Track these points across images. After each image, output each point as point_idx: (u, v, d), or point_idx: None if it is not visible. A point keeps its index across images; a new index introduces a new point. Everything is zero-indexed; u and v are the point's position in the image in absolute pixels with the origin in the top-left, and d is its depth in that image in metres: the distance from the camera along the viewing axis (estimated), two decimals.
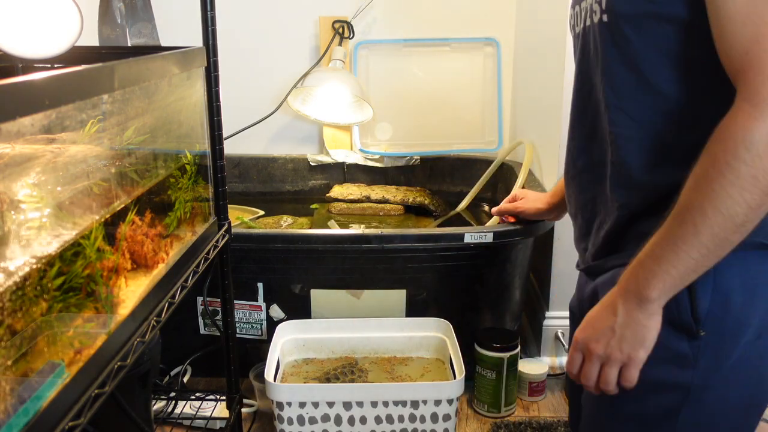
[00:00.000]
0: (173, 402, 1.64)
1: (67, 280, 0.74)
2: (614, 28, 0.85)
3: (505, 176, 2.24)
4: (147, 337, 0.90)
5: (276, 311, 1.74)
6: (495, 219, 1.66)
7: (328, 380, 1.59)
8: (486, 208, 2.29)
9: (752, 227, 0.75)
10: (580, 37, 0.95)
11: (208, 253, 1.20)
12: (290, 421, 1.46)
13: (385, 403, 1.46)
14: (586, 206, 0.98)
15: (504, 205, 1.55)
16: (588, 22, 0.91)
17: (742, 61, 0.74)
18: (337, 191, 2.31)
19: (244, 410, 1.67)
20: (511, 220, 1.59)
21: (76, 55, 1.01)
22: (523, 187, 1.95)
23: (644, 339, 0.82)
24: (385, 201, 2.25)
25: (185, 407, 1.64)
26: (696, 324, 0.82)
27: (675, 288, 0.80)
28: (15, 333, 0.65)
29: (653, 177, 0.87)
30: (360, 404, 1.46)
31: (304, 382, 1.59)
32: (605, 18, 0.85)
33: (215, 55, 1.24)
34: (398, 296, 1.73)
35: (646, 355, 0.83)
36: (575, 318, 1.05)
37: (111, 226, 0.85)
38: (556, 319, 1.92)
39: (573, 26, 0.98)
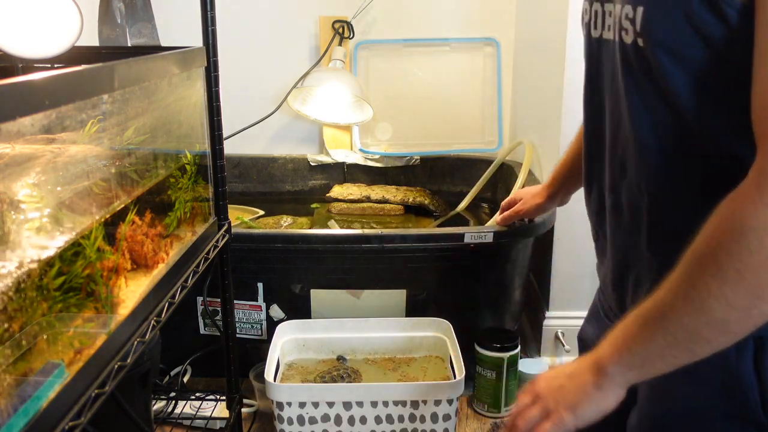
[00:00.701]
0: (173, 402, 1.64)
1: (67, 280, 0.74)
2: (650, 56, 0.71)
3: (505, 176, 2.24)
4: (147, 337, 0.90)
5: (276, 311, 1.74)
6: (495, 220, 1.66)
7: (331, 380, 1.59)
8: (486, 208, 2.29)
9: (744, 330, 0.64)
10: (601, 47, 0.83)
11: (208, 253, 1.20)
12: (290, 421, 1.46)
13: (385, 403, 1.46)
14: (619, 251, 0.86)
15: (506, 214, 1.51)
16: (616, 37, 0.77)
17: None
18: (337, 191, 2.31)
19: (244, 410, 1.66)
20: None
21: (76, 55, 1.01)
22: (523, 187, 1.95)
23: (577, 406, 0.74)
24: (385, 201, 2.25)
25: (185, 407, 1.64)
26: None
27: (637, 370, 0.71)
28: (15, 333, 0.65)
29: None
30: (360, 404, 1.46)
31: (304, 382, 1.59)
32: (641, 42, 0.72)
33: (215, 55, 1.24)
34: (398, 296, 1.73)
35: (572, 424, 0.74)
36: (585, 352, 0.96)
37: (111, 226, 0.85)
38: (556, 319, 1.92)
39: (588, 24, 0.86)
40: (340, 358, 1.67)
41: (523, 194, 1.47)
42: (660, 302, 0.67)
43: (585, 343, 0.99)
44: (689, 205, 0.74)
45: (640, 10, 0.70)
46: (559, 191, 1.30)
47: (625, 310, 0.84)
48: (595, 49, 0.85)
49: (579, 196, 1.03)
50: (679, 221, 0.74)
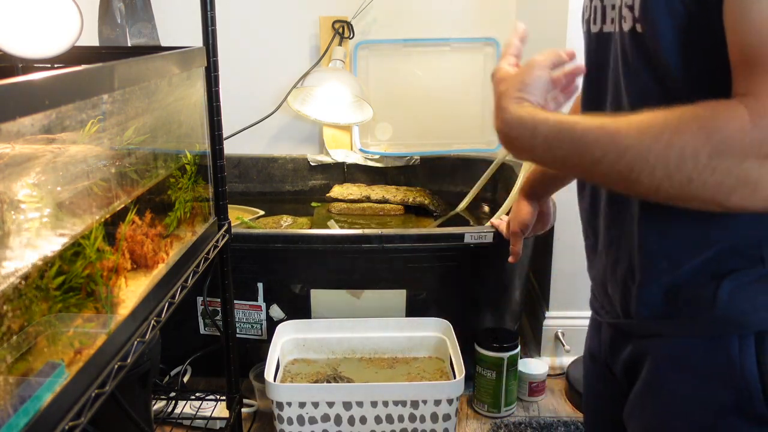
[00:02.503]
0: (173, 402, 1.64)
1: (67, 280, 0.74)
2: (649, 41, 0.70)
3: (505, 176, 2.24)
4: (147, 337, 0.90)
5: (276, 311, 1.74)
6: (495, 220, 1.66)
7: (332, 380, 1.59)
8: (486, 208, 2.29)
9: (632, 194, 0.69)
10: (601, 41, 0.81)
11: (208, 253, 1.20)
12: (290, 421, 1.46)
13: (385, 403, 1.46)
14: (612, 244, 0.84)
15: (516, 245, 1.29)
16: (616, 28, 0.76)
17: (755, 53, 0.61)
18: (337, 191, 2.31)
19: (244, 410, 1.66)
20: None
21: (76, 55, 1.01)
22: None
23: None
24: (385, 201, 2.25)
25: (185, 407, 1.63)
26: None
27: (527, 139, 0.70)
28: (15, 333, 0.65)
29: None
30: (360, 404, 1.45)
31: (304, 382, 1.59)
32: (639, 28, 0.71)
33: (215, 55, 1.24)
34: (398, 296, 1.73)
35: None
36: (595, 368, 0.94)
37: (111, 226, 0.85)
38: (556, 319, 1.92)
39: (588, 20, 0.85)
40: (334, 378, 1.63)
41: (521, 215, 1.26)
42: (609, 125, 0.65)
43: (593, 358, 0.95)
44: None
45: None
46: (538, 196, 1.21)
47: (618, 306, 0.84)
48: (594, 45, 0.84)
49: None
50: (674, 211, 0.71)
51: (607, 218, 0.84)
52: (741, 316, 0.73)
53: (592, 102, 0.87)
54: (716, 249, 0.73)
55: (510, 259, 1.30)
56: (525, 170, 1.99)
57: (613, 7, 0.78)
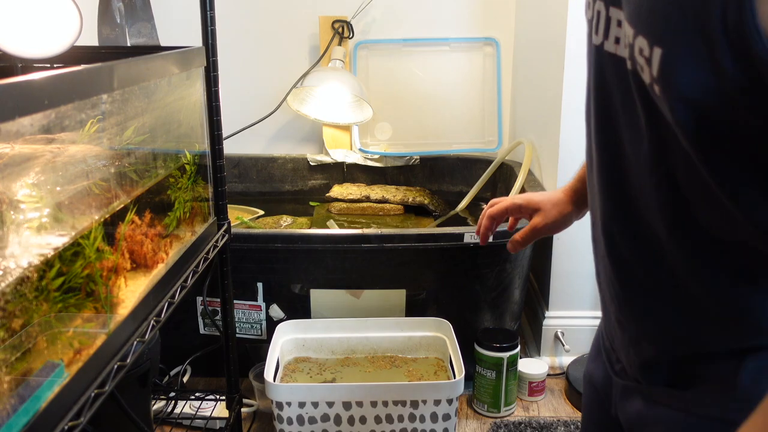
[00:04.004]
0: (173, 402, 1.64)
1: (67, 280, 0.74)
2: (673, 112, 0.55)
3: (505, 176, 2.24)
4: (147, 337, 0.90)
5: (276, 311, 1.74)
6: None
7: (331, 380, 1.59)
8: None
9: None
10: (604, 59, 0.67)
11: (207, 253, 1.20)
12: (290, 421, 1.46)
13: (385, 403, 1.46)
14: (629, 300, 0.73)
15: (525, 233, 1.08)
16: (629, 65, 0.60)
17: None
18: (337, 191, 2.31)
19: (243, 410, 1.66)
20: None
21: (75, 54, 1.01)
22: (522, 188, 1.95)
23: None
24: (384, 201, 2.25)
25: (185, 407, 1.63)
26: None
27: None
28: (14, 333, 0.65)
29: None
30: (360, 404, 1.45)
31: (304, 382, 1.59)
32: (657, 90, 0.56)
33: (215, 54, 1.24)
34: (398, 296, 1.73)
35: None
36: (596, 396, 0.85)
37: (110, 226, 0.85)
38: (556, 319, 1.92)
39: (590, 22, 0.70)
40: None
41: (542, 203, 1.07)
42: None
43: (594, 386, 0.87)
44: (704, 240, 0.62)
45: (657, 52, 0.54)
46: (581, 199, 1.03)
47: (625, 363, 0.75)
48: (595, 59, 0.70)
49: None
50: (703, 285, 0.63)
51: (616, 286, 0.73)
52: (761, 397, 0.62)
53: (599, 118, 0.72)
54: (742, 324, 0.64)
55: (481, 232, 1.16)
56: (524, 171, 1.99)
57: (619, 23, 0.63)
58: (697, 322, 0.66)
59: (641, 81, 0.59)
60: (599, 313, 0.87)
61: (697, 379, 0.68)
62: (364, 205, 2.25)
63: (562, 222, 1.06)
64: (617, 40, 0.64)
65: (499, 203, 1.13)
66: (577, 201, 1.04)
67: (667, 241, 0.64)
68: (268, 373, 1.49)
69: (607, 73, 0.67)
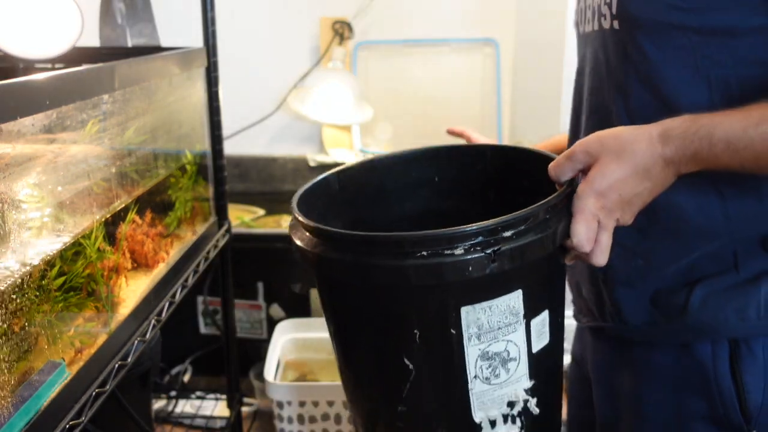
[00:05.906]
0: (174, 401, 1.64)
1: (68, 279, 0.74)
2: (627, 39, 0.70)
3: None
4: (147, 336, 0.90)
5: (276, 311, 1.74)
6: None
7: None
8: None
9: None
10: (587, 42, 0.80)
11: (208, 253, 1.20)
12: (290, 420, 1.46)
13: None
14: None
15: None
16: (596, 26, 0.75)
17: None
18: None
19: (244, 409, 1.67)
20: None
21: (76, 55, 1.01)
22: None
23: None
24: None
25: (186, 406, 1.64)
26: (747, 423, 0.71)
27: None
28: (16, 333, 0.65)
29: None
30: None
31: (304, 381, 1.59)
32: (616, 25, 0.71)
33: (215, 55, 1.25)
34: None
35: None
36: (579, 372, 0.91)
37: (111, 225, 0.85)
38: None
39: (577, 23, 0.84)
40: None
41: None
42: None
43: (578, 364, 0.93)
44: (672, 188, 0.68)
45: None
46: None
47: (594, 307, 0.81)
48: (581, 47, 0.82)
49: None
50: (661, 206, 0.68)
51: None
52: (713, 323, 0.71)
53: (576, 99, 0.84)
54: (695, 256, 0.71)
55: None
56: None
57: (597, 5, 0.75)
58: (658, 249, 0.73)
59: (604, 38, 0.72)
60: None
61: (655, 312, 0.74)
62: None
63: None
64: (590, 19, 0.76)
65: None
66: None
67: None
68: (269, 373, 1.49)
69: (585, 54, 0.79)
